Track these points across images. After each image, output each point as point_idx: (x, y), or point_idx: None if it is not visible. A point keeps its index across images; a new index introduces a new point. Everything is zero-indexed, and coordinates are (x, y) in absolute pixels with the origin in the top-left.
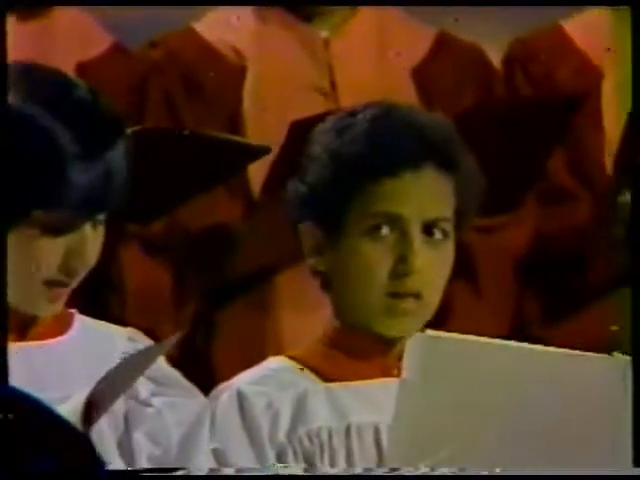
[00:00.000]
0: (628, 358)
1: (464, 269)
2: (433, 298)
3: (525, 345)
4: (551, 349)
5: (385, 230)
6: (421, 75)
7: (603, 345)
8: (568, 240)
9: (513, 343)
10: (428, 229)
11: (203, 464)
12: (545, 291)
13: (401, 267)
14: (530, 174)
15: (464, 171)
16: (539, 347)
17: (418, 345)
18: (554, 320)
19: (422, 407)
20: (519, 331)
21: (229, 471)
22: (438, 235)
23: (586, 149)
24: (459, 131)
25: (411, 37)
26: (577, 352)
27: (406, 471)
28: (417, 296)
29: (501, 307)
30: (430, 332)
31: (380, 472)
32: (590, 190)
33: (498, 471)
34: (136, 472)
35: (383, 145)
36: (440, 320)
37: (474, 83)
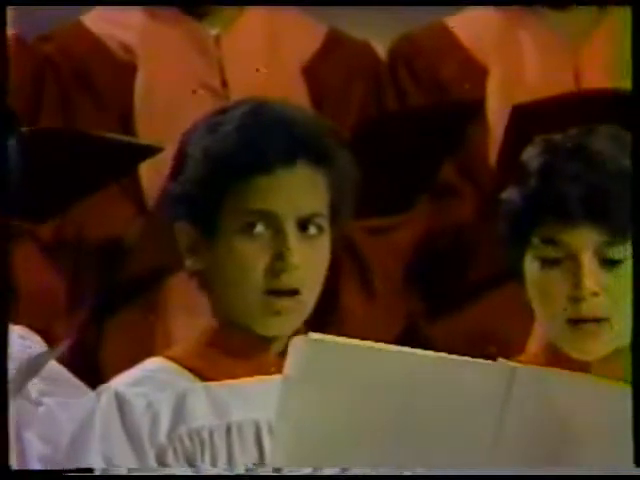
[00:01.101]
0: (513, 364)
1: (358, 270)
2: (311, 294)
3: (409, 349)
4: (435, 354)
5: (260, 228)
6: (311, 73)
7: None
8: (454, 237)
9: (396, 347)
10: (303, 225)
11: (94, 463)
12: (432, 289)
13: (278, 264)
14: (426, 176)
15: (338, 166)
16: (423, 351)
17: (301, 348)
18: (440, 318)
19: (304, 409)
20: (411, 331)
21: (123, 471)
22: (313, 231)
23: (471, 145)
24: (362, 134)
25: (302, 35)
26: (462, 357)
27: (289, 471)
28: (295, 292)
29: (394, 307)
30: (314, 335)
31: (263, 472)
32: (474, 186)
33: (382, 471)
34: (59, 472)
35: (254, 142)
36: (334, 321)
37: (364, 80)
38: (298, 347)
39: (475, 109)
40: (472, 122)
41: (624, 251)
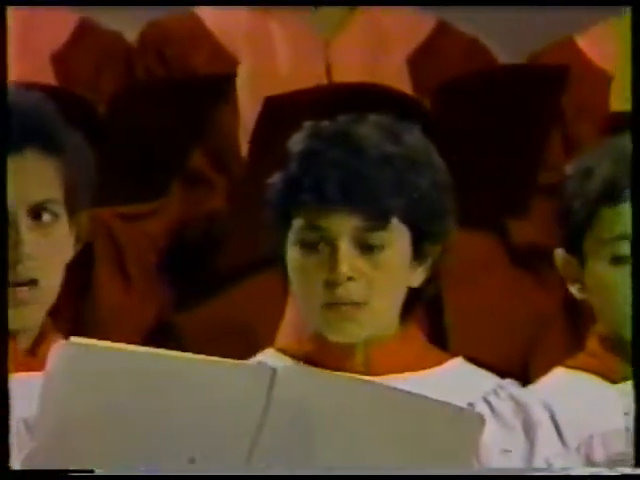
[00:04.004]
0: (274, 366)
1: (113, 257)
2: (51, 283)
3: (168, 352)
4: (197, 356)
5: None
6: (61, 60)
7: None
8: (206, 226)
9: (157, 350)
10: (36, 213)
11: None
12: (182, 278)
13: (12, 255)
14: (175, 159)
15: (70, 150)
16: (184, 354)
17: (61, 352)
18: (188, 307)
19: (61, 412)
20: (162, 320)
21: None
22: (47, 218)
23: (221, 135)
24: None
25: (53, 23)
26: (223, 359)
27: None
28: (32, 282)
29: (148, 296)
30: (74, 339)
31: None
32: (226, 176)
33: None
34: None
35: None
36: (90, 313)
37: (115, 67)
38: (58, 351)
39: (222, 84)
40: (219, 99)
41: (382, 237)
